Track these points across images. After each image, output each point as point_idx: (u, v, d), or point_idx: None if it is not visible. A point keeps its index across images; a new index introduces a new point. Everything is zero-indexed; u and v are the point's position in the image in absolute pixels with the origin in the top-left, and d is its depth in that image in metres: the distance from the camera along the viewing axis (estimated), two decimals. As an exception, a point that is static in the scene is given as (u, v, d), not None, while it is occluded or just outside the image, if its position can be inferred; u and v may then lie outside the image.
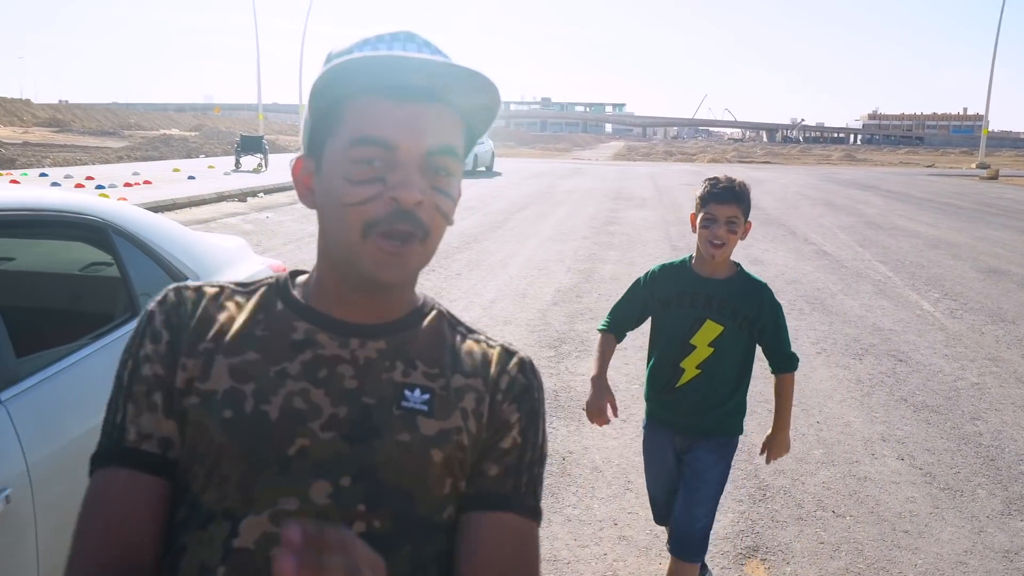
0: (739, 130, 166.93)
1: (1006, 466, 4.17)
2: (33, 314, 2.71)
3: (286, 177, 20.06)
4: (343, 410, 0.87)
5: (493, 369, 0.95)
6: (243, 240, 3.66)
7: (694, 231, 2.50)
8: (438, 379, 0.92)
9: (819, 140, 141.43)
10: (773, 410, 2.72)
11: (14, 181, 15.31)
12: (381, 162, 0.83)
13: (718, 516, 3.51)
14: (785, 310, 8.47)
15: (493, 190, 20.26)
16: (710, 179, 2.52)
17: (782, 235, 13.03)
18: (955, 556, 3.28)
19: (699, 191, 2.51)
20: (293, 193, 17.21)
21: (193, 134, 48.58)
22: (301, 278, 0.98)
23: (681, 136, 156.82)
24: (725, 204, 2.42)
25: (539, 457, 0.97)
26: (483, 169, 27.80)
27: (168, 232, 2.87)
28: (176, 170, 20.69)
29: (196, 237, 3.10)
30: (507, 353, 0.98)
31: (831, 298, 8.20)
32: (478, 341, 0.99)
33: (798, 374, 5.45)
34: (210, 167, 22.69)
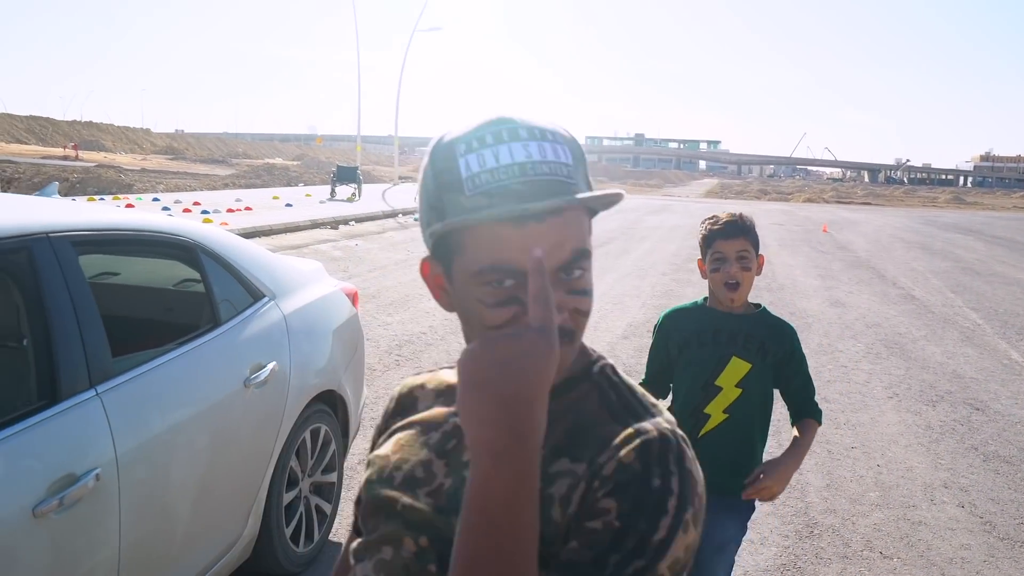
0: (839, 170, 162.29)
1: (1075, 521, 4.04)
2: (131, 322, 3.05)
3: (378, 207, 20.83)
4: (448, 481, 0.89)
5: (605, 452, 0.82)
6: (320, 264, 3.97)
7: (704, 277, 2.29)
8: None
9: (925, 182, 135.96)
10: (791, 449, 2.26)
11: (129, 205, 16.49)
12: (513, 282, 0.79)
13: (761, 549, 3.58)
14: (861, 353, 8.32)
15: (578, 224, 20.44)
16: (709, 218, 2.30)
17: (869, 278, 12.72)
18: (1004, 606, 3.22)
19: (701, 232, 2.30)
20: (382, 222, 17.93)
21: (295, 163, 50.85)
22: None
23: (777, 175, 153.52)
24: (732, 239, 2.21)
25: (648, 551, 0.76)
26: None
27: (250, 253, 3.19)
28: (276, 198, 21.78)
29: (275, 259, 3.41)
30: (635, 434, 0.83)
31: (912, 343, 8.00)
32: (619, 420, 0.86)
33: (864, 416, 5.49)
34: (307, 195, 23.79)
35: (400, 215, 20.14)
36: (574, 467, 0.83)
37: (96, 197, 18.79)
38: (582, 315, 0.84)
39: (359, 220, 17.74)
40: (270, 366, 2.91)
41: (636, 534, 0.77)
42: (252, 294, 3.05)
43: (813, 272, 12.97)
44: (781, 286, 11.23)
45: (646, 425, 0.84)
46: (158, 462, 2.36)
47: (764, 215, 28.91)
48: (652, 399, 0.91)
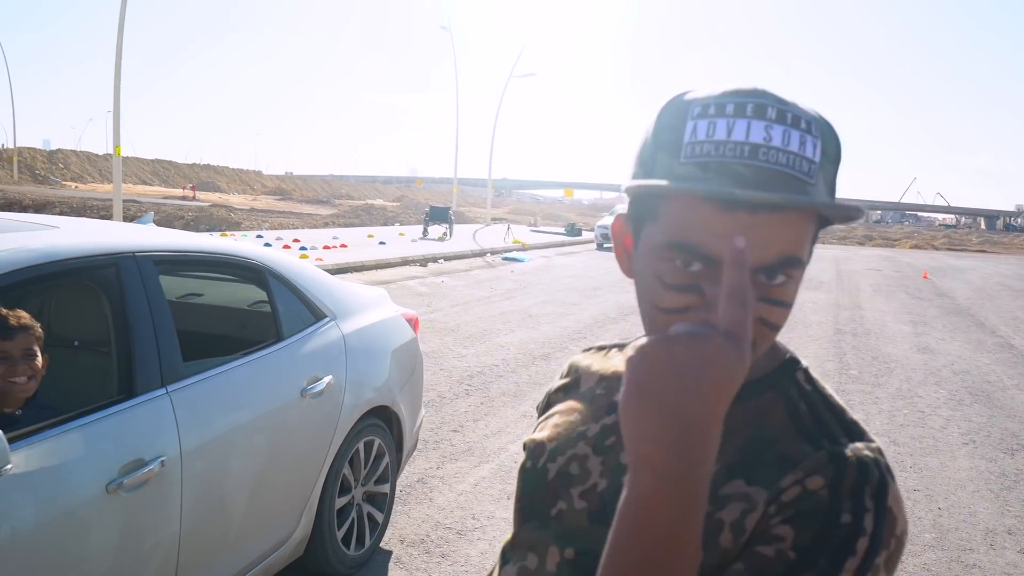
0: (953, 216, 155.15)
1: None
2: (208, 336, 3.40)
3: (467, 246, 21.38)
4: (603, 483, 0.82)
5: (789, 476, 0.72)
6: (383, 291, 4.27)
7: None
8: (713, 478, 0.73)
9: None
10: None
11: (236, 241, 17.57)
12: (701, 267, 0.69)
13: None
14: (942, 399, 8.17)
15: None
16: None
17: (966, 325, 12.21)
18: (1050, 652, 3.14)
19: None
20: (470, 261, 18.47)
21: (394, 204, 52.66)
22: None
23: (885, 220, 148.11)
24: None
25: None
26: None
27: (315, 278, 3.51)
28: (370, 236, 22.72)
29: (339, 284, 3.72)
30: (827, 458, 0.73)
31: (1001, 391, 7.68)
32: (810, 440, 0.75)
33: (934, 461, 5.41)
34: (400, 234, 24.68)
35: (488, 255, 20.64)
36: (749, 491, 0.73)
37: (205, 233, 20.07)
38: (771, 327, 0.72)
39: (448, 258, 18.29)
40: (326, 379, 3.19)
41: (813, 571, 0.66)
42: (315, 314, 3.35)
43: (905, 318, 12.55)
44: (867, 331, 10.95)
45: (843, 450, 0.73)
46: (218, 456, 2.65)
47: (862, 260, 28.00)
48: (853, 415, 0.78)
